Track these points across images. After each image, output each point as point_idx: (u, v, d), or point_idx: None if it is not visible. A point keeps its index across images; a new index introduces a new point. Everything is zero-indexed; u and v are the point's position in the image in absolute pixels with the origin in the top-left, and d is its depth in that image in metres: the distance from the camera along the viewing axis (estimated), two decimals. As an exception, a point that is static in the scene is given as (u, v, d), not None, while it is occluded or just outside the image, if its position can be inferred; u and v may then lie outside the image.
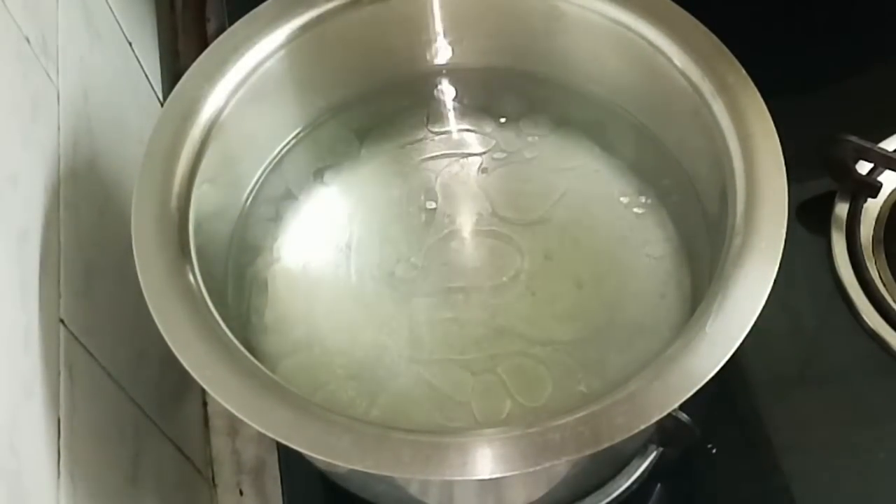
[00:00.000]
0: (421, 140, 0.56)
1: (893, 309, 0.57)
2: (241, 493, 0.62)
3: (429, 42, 0.55)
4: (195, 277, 0.43)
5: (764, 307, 0.40)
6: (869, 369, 0.57)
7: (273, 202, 0.54)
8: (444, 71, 0.56)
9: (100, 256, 0.51)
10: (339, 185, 0.55)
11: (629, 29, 0.50)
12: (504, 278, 0.52)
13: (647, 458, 0.53)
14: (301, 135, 0.54)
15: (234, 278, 0.51)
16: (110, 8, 0.64)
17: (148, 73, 0.69)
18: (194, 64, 0.48)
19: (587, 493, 0.53)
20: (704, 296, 0.41)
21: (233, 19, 0.50)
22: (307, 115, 0.55)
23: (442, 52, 0.56)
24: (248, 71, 0.49)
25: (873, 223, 0.60)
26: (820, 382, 0.58)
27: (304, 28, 0.50)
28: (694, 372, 0.39)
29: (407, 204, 0.54)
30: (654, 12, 0.50)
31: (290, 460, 0.58)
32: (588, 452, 0.38)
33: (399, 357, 0.50)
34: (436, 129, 0.56)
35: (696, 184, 0.50)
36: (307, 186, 0.54)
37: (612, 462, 0.52)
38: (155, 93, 0.70)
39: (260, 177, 0.52)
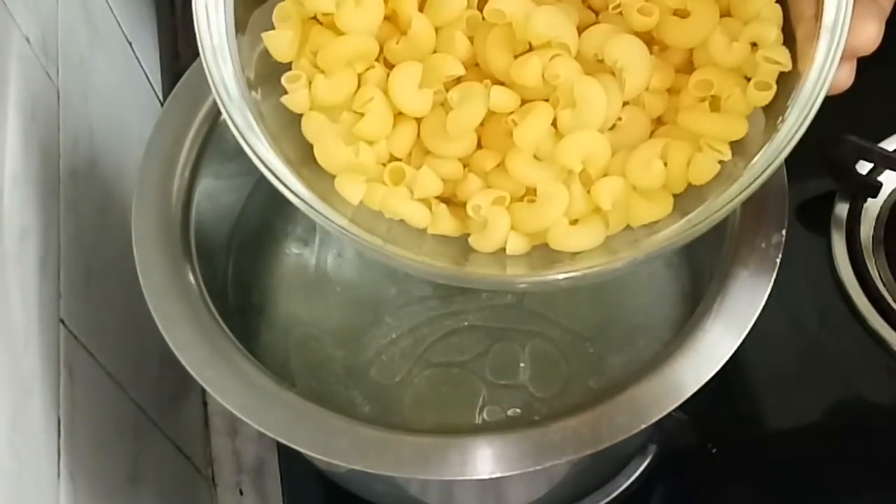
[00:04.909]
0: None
1: (893, 309, 0.57)
2: (241, 493, 0.62)
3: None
4: (195, 277, 0.43)
5: (764, 307, 0.40)
6: (869, 369, 0.57)
7: (274, 202, 0.54)
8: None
9: (100, 256, 0.51)
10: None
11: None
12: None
13: (647, 458, 0.53)
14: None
15: (234, 278, 0.51)
16: (110, 8, 0.64)
17: (148, 73, 0.69)
18: (194, 64, 0.48)
19: (587, 492, 0.53)
20: (704, 296, 0.41)
21: (233, 19, 0.50)
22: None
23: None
24: (248, 71, 0.49)
25: (873, 223, 0.60)
26: (820, 382, 0.58)
27: (304, 28, 0.50)
28: (694, 372, 0.39)
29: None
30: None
31: (290, 460, 0.58)
32: (588, 452, 0.38)
33: (401, 356, 0.50)
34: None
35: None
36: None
37: (612, 462, 0.52)
38: (155, 93, 0.70)
39: (260, 176, 0.52)
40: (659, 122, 0.38)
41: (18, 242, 0.42)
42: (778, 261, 0.41)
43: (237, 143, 0.50)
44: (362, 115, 0.37)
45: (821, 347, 0.59)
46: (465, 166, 0.38)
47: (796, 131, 0.34)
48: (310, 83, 0.37)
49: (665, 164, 0.36)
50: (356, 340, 0.51)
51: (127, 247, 0.43)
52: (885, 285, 0.58)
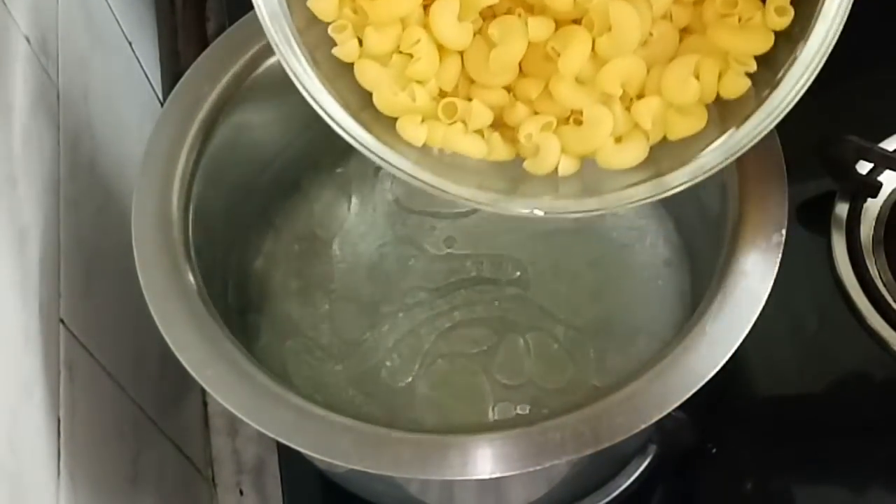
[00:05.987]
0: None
1: (893, 309, 0.57)
2: (241, 493, 0.62)
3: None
4: (195, 277, 0.43)
5: (764, 307, 0.40)
6: (869, 369, 0.57)
7: (273, 202, 0.54)
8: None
9: (100, 256, 0.51)
10: (341, 183, 0.55)
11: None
12: (504, 279, 0.52)
13: (647, 458, 0.53)
14: (301, 134, 0.54)
15: (234, 278, 0.51)
16: (110, 8, 0.64)
17: (148, 73, 0.69)
18: (194, 64, 0.48)
19: (587, 492, 0.53)
20: (704, 296, 0.41)
21: (233, 19, 0.50)
22: (308, 115, 0.55)
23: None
24: (248, 71, 0.49)
25: (873, 223, 0.60)
26: (820, 382, 0.57)
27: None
28: (694, 372, 0.39)
29: (413, 203, 0.54)
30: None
31: (290, 460, 0.58)
32: (588, 452, 0.38)
33: (408, 354, 0.50)
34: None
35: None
36: (308, 185, 0.54)
37: (612, 462, 0.52)
38: (155, 93, 0.70)
39: (260, 176, 0.52)
40: (685, 31, 0.40)
41: (18, 242, 0.42)
42: (778, 261, 0.41)
43: (236, 144, 0.50)
44: (409, 55, 0.39)
45: (821, 347, 0.59)
46: (509, 92, 0.40)
47: (829, 42, 0.35)
48: (356, 35, 0.39)
49: (697, 79, 0.38)
50: (357, 341, 0.51)
51: (127, 247, 0.43)
52: (885, 285, 0.58)
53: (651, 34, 0.38)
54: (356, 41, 0.39)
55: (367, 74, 0.39)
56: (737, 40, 0.38)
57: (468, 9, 0.38)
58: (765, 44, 0.38)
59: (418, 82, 0.39)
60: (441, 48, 0.39)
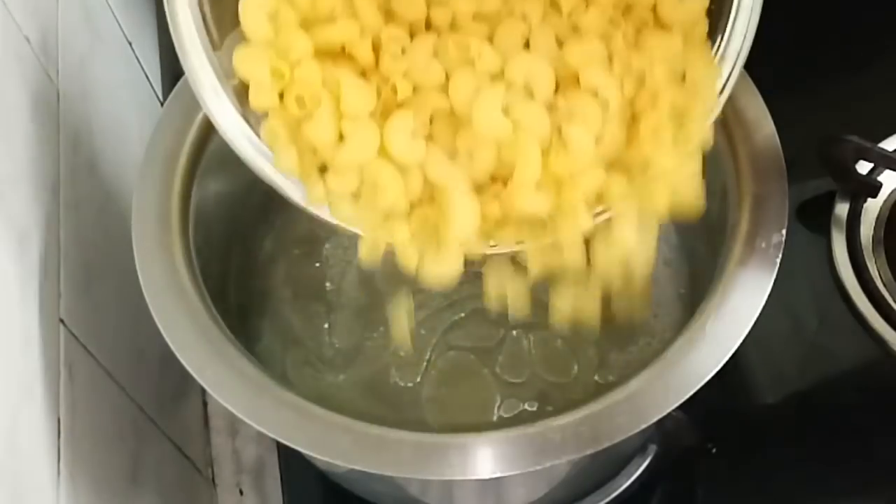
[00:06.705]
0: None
1: (893, 309, 0.57)
2: (241, 493, 0.62)
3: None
4: (195, 277, 0.43)
5: (764, 307, 0.40)
6: (869, 369, 0.57)
7: (273, 201, 0.54)
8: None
9: (100, 256, 0.51)
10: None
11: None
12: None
13: (647, 458, 0.53)
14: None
15: (234, 278, 0.51)
16: (110, 8, 0.64)
17: (148, 73, 0.69)
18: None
19: (587, 492, 0.53)
20: (704, 296, 0.41)
21: (233, 19, 0.50)
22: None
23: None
24: (248, 71, 0.49)
25: (873, 223, 0.60)
26: (820, 382, 0.58)
27: (304, 28, 0.50)
28: (694, 372, 0.39)
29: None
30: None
31: (290, 460, 0.58)
32: (588, 452, 0.38)
33: (405, 359, 0.50)
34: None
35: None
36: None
37: (612, 462, 0.52)
38: (155, 93, 0.70)
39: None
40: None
41: (18, 242, 0.42)
42: (778, 261, 0.41)
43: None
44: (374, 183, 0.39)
45: (821, 347, 0.59)
46: None
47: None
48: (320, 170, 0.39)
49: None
50: (360, 351, 0.51)
51: (127, 247, 0.43)
52: (885, 285, 0.58)
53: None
54: (322, 184, 0.39)
55: (345, 216, 0.39)
56: (675, 164, 0.38)
57: (420, 122, 0.38)
58: (697, 167, 0.38)
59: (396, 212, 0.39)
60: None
